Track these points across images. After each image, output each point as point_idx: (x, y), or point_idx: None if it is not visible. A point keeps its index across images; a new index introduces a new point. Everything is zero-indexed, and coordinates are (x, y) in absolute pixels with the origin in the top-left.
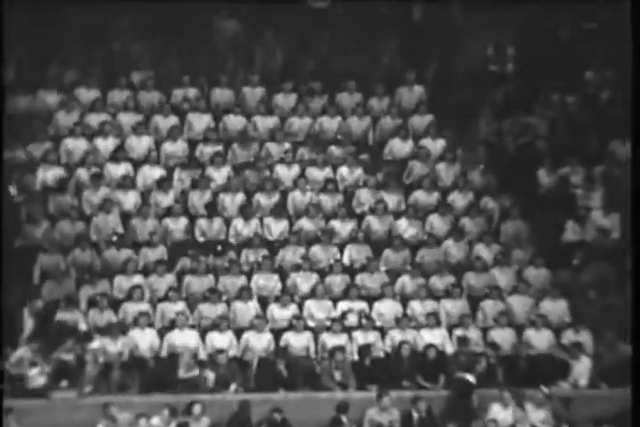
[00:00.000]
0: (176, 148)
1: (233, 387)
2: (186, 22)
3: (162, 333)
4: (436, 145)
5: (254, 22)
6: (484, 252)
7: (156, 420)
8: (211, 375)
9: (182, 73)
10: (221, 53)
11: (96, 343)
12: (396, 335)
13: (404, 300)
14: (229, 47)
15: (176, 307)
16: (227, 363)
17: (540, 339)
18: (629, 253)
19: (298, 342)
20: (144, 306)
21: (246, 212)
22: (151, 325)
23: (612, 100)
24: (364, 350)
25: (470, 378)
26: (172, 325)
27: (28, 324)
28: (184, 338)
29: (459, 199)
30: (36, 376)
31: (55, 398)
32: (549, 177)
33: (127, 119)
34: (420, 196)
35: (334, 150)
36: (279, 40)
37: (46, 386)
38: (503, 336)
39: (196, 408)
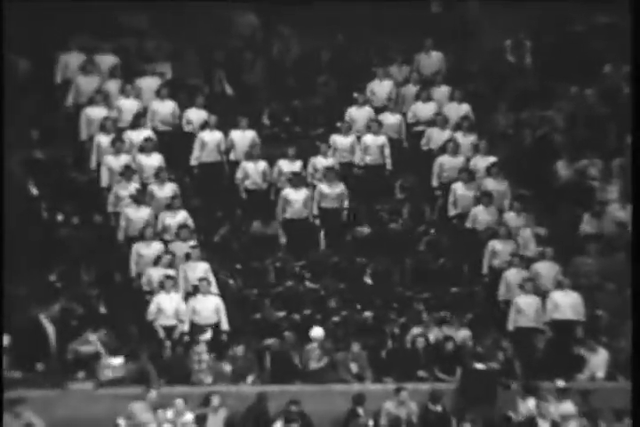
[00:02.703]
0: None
1: (250, 379)
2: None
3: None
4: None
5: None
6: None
7: (169, 413)
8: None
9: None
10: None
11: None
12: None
13: None
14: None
15: (199, 271)
16: (244, 354)
17: (566, 300)
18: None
19: None
20: (170, 271)
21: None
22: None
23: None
24: None
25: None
26: (195, 290)
27: (50, 330)
28: (206, 304)
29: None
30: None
31: (72, 388)
32: (567, 170)
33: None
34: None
35: None
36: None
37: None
38: (528, 302)
39: (215, 400)
